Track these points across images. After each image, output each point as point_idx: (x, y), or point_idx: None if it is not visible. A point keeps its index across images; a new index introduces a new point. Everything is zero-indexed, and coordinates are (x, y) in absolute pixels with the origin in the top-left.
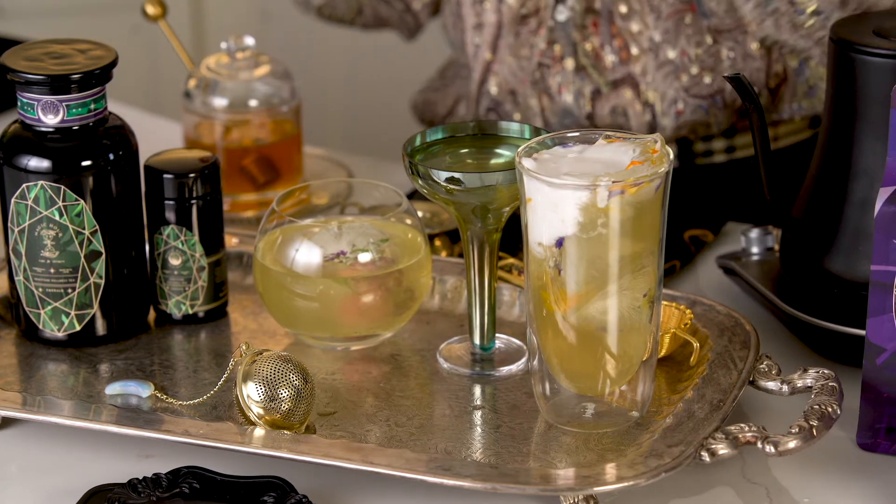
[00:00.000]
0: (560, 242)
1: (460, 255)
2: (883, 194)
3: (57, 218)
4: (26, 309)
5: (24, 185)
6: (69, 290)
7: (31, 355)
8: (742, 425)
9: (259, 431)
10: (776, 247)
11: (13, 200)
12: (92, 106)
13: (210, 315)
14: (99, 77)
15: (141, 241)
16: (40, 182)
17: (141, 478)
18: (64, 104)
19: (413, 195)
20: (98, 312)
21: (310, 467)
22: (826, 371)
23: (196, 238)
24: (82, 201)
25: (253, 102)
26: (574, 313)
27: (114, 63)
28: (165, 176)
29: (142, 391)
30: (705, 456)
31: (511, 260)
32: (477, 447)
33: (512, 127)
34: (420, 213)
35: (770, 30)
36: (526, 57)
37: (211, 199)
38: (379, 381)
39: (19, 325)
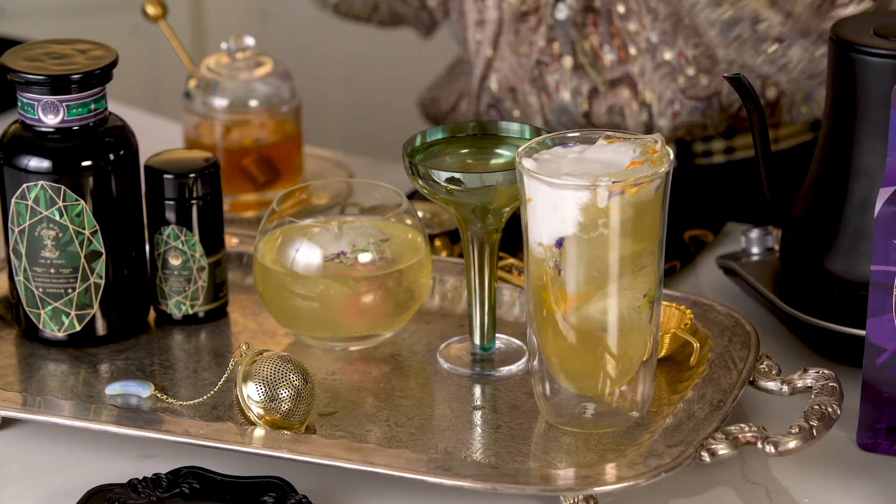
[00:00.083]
0: (560, 242)
1: (460, 256)
2: (883, 194)
3: (57, 218)
4: (26, 309)
5: (24, 186)
6: (69, 291)
7: (32, 355)
8: (742, 425)
9: (259, 431)
10: (776, 247)
11: (13, 200)
12: (92, 106)
13: (210, 315)
14: (99, 77)
15: (141, 242)
16: (40, 182)
17: (141, 478)
18: (64, 104)
19: (413, 195)
20: (98, 312)
21: (310, 467)
22: (826, 371)
23: (196, 238)
24: (82, 201)
25: (253, 103)
26: (574, 313)
27: (114, 63)
28: (165, 176)
29: (142, 391)
30: (705, 456)
31: (511, 260)
32: (477, 447)
33: (512, 127)
34: (420, 214)
35: (734, 55)
36: (525, 54)
37: (211, 200)
38: (379, 382)
39: (19, 325)
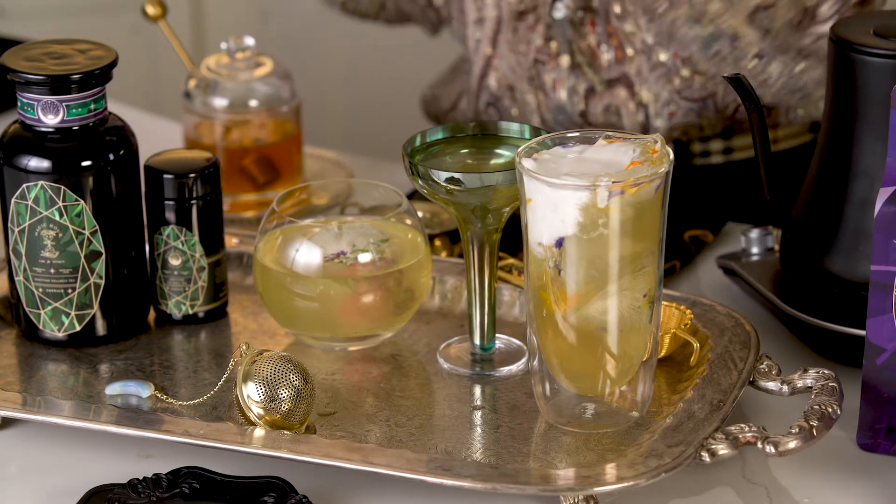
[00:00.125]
0: (560, 242)
1: (460, 256)
2: (883, 194)
3: (57, 218)
4: (26, 309)
5: (24, 186)
6: (69, 291)
7: (32, 355)
8: (742, 425)
9: (259, 431)
10: (776, 247)
11: (13, 200)
12: (92, 106)
13: (210, 315)
14: (99, 77)
15: (141, 242)
16: (40, 182)
17: (141, 478)
18: (64, 104)
19: (413, 195)
20: (98, 313)
21: (310, 467)
22: (826, 371)
23: (196, 238)
24: (82, 201)
25: (253, 103)
26: (574, 313)
27: (114, 63)
28: (165, 176)
29: (142, 391)
30: (705, 456)
31: (511, 260)
32: (477, 447)
33: (512, 127)
34: (420, 214)
35: (714, 70)
36: (523, 53)
37: (211, 200)
38: (379, 382)
39: (19, 325)
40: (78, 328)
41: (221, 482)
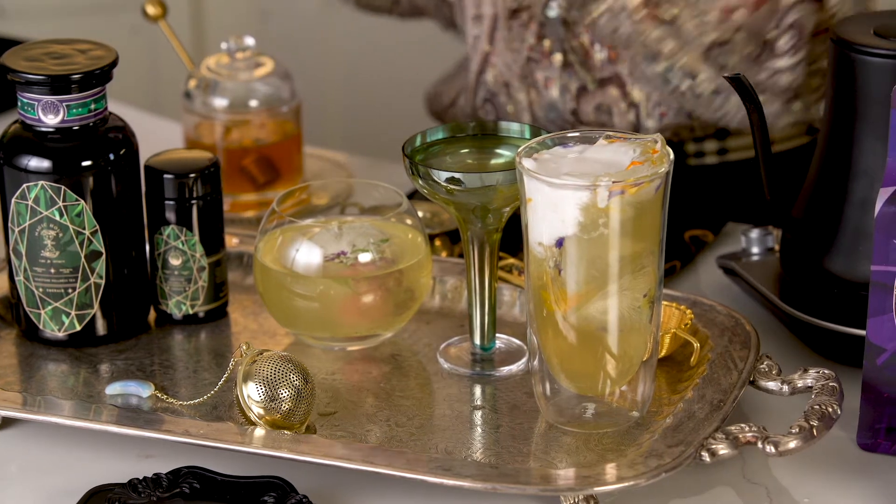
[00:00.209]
0: (560, 242)
1: (460, 256)
2: (883, 194)
3: (57, 218)
4: (27, 309)
5: (24, 186)
6: (69, 291)
7: (32, 355)
8: (742, 425)
9: (259, 431)
10: (776, 247)
11: (13, 200)
12: (92, 106)
13: (210, 315)
14: (99, 77)
15: (141, 242)
16: (41, 182)
17: (141, 478)
18: (64, 104)
19: (413, 195)
20: (98, 312)
21: (310, 467)
22: (826, 371)
23: (196, 238)
24: (83, 201)
25: (253, 103)
26: (574, 313)
27: (114, 63)
28: (166, 176)
29: (142, 391)
30: (705, 456)
31: (511, 260)
32: (477, 447)
33: (512, 127)
34: (420, 214)
35: (676, 105)
36: (517, 50)
37: (211, 200)
38: (379, 382)
39: (19, 325)
40: (78, 328)
41: (222, 482)
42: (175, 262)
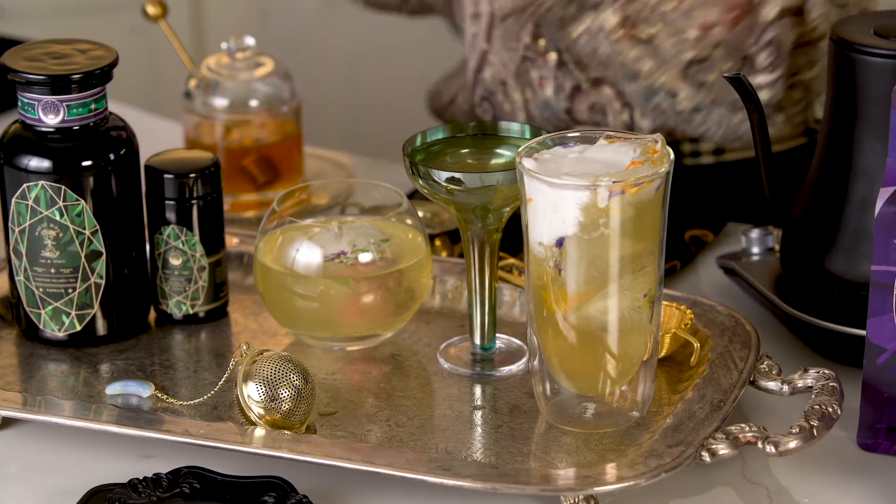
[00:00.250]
0: (560, 242)
1: (461, 256)
2: (883, 194)
3: (57, 218)
4: (27, 309)
5: (24, 185)
6: (70, 290)
7: (32, 355)
8: (742, 425)
9: (259, 431)
10: (776, 247)
11: (14, 200)
12: (92, 106)
13: (210, 315)
14: (99, 77)
15: (141, 241)
16: (41, 182)
17: (141, 478)
18: (64, 104)
19: (413, 195)
20: (98, 312)
21: (310, 467)
22: (826, 371)
23: (196, 238)
24: (83, 201)
25: (253, 102)
26: (574, 313)
27: (114, 63)
28: (166, 176)
29: (142, 391)
30: (705, 456)
31: (511, 260)
32: (477, 447)
33: (512, 127)
34: (420, 213)
35: (659, 122)
36: (513, 49)
37: (211, 199)
38: (379, 381)
39: (20, 325)
40: (78, 328)
41: (222, 482)
42: (175, 261)
